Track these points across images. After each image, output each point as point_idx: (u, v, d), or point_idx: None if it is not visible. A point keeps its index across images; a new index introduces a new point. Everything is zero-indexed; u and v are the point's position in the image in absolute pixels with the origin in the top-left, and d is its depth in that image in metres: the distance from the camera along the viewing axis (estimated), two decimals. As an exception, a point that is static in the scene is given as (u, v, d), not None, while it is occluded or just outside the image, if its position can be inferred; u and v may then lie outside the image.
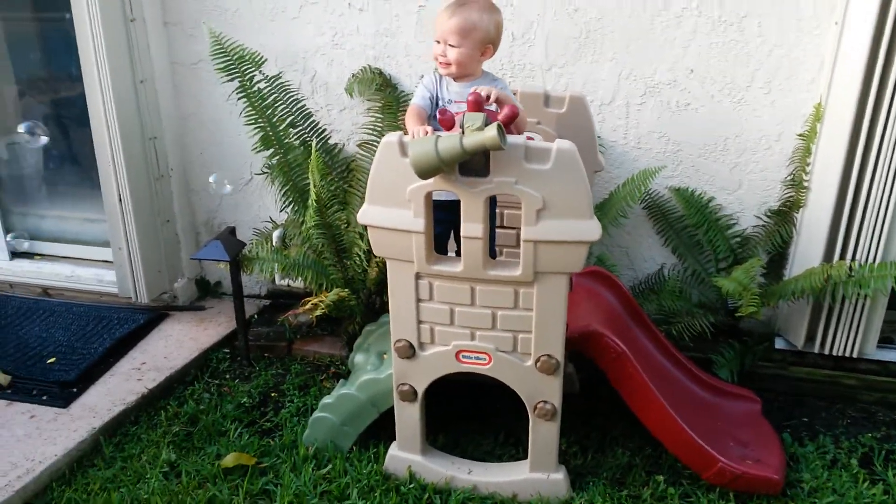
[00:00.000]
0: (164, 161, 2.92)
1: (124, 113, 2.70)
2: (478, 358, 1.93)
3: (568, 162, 1.67)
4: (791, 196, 2.53)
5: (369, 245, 1.90)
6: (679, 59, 2.48)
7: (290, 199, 2.64)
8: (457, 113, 1.84)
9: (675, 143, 2.59)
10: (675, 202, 2.66)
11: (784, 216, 2.56)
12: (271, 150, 2.57)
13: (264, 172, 2.73)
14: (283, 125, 2.59)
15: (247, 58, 2.50)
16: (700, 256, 2.68)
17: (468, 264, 1.81)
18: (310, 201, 2.39)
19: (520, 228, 1.76)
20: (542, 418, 1.95)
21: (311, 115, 2.70)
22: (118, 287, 3.02)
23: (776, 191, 2.58)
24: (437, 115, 1.82)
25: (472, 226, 1.77)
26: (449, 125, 1.77)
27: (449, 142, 1.63)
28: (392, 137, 1.74)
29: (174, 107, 2.92)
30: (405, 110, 2.61)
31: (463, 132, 1.65)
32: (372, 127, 2.70)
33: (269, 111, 2.55)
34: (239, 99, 2.53)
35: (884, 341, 2.56)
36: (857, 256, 2.38)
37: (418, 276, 1.87)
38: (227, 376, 2.67)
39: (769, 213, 2.60)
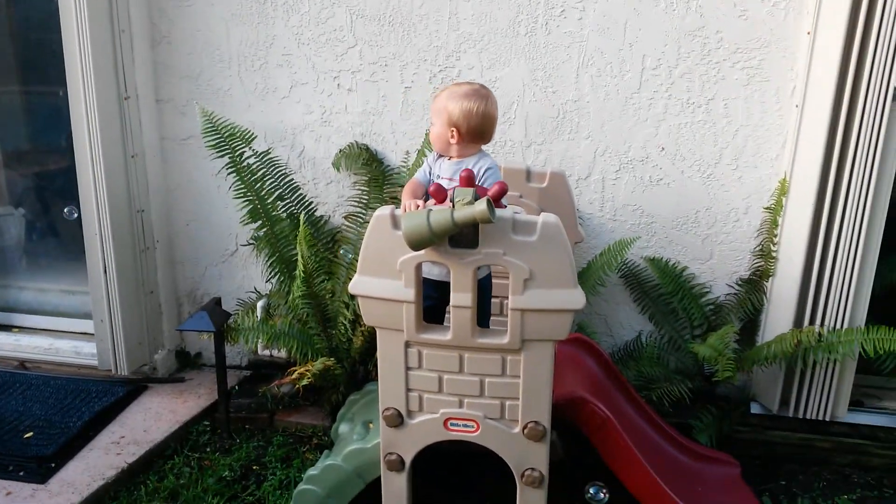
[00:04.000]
0: (150, 233, 2.95)
1: (114, 186, 2.75)
2: (466, 426, 1.95)
3: (553, 234, 1.75)
4: (760, 265, 2.65)
5: (354, 314, 1.91)
6: (651, 138, 2.62)
7: (277, 269, 2.68)
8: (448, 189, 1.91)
9: (649, 216, 2.71)
10: (650, 271, 2.75)
11: (755, 284, 2.66)
12: (259, 222, 2.63)
13: (250, 244, 2.77)
14: (272, 198, 2.66)
15: (237, 135, 2.59)
16: (676, 324, 2.76)
17: (457, 332, 1.85)
18: (297, 272, 2.44)
19: (506, 297, 1.82)
20: (529, 486, 1.96)
21: (299, 189, 2.78)
22: (98, 359, 2.99)
23: (746, 261, 2.69)
24: (430, 188, 1.88)
25: (461, 295, 1.82)
26: (441, 198, 1.83)
27: (440, 215, 1.70)
28: (385, 211, 1.80)
29: (162, 180, 2.97)
30: (390, 184, 2.72)
31: (453, 206, 1.72)
32: (358, 199, 2.78)
33: (258, 185, 2.62)
34: (229, 174, 2.60)
35: (855, 404, 2.64)
36: (826, 322, 2.48)
37: (408, 345, 1.90)
38: (208, 449, 2.63)
39: (740, 282, 2.71)
